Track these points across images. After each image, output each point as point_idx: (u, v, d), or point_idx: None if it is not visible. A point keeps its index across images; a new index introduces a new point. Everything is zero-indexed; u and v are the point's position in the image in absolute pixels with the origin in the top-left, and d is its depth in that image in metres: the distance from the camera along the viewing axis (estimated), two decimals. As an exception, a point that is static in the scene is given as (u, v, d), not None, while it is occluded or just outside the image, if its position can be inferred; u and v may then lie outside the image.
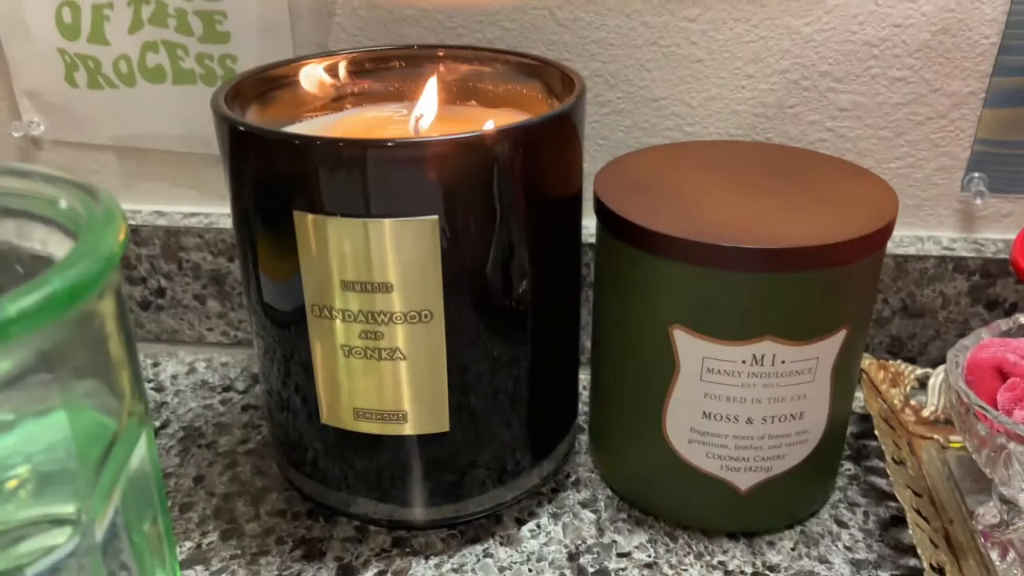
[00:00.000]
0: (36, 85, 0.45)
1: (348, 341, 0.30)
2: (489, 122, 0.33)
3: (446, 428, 0.32)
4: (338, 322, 0.30)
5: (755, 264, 0.29)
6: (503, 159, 0.28)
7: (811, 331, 0.31)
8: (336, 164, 0.27)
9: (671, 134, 0.42)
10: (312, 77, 0.37)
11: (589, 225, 0.35)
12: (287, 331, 0.31)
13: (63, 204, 0.20)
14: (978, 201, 0.41)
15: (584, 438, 0.40)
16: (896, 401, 0.40)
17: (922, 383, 0.41)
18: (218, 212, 0.47)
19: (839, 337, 0.31)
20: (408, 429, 0.32)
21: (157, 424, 0.42)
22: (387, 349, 0.30)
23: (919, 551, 0.31)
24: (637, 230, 0.31)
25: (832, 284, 0.30)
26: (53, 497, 0.19)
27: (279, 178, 0.29)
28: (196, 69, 0.44)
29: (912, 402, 0.40)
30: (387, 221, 0.28)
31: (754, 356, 0.31)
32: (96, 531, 0.20)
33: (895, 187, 0.42)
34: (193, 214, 0.47)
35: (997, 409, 0.30)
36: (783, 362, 0.31)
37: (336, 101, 0.38)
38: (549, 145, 0.30)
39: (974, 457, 0.31)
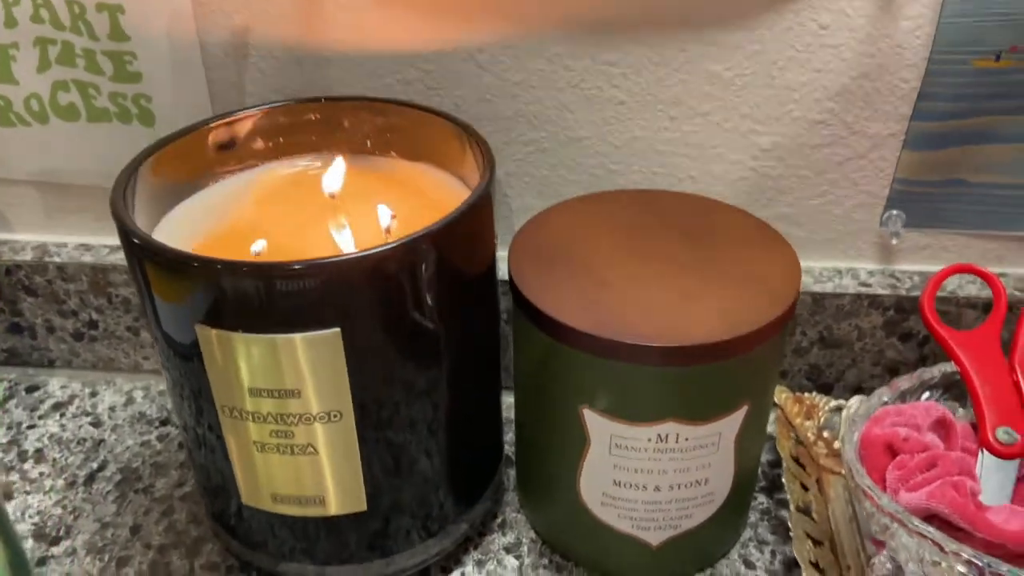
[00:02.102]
0: (-55, 124, 0.44)
1: (261, 438, 0.31)
2: (383, 210, 0.33)
3: (364, 508, 0.33)
4: (250, 423, 0.30)
5: (657, 359, 0.30)
6: (408, 266, 0.29)
7: (713, 411, 0.32)
8: (239, 285, 0.27)
9: (595, 171, 0.42)
10: (221, 138, 0.36)
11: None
12: (201, 423, 0.32)
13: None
14: (894, 241, 0.41)
15: (513, 472, 0.42)
16: (809, 434, 0.42)
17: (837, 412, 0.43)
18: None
19: (741, 413, 0.32)
20: (328, 511, 0.33)
21: (94, 466, 0.43)
22: (300, 445, 0.31)
23: (811, 613, 0.33)
24: (545, 319, 0.31)
25: (733, 370, 0.31)
26: None
27: (181, 292, 0.29)
28: (110, 107, 0.42)
29: (825, 434, 0.42)
30: (296, 336, 0.28)
31: (659, 435, 0.32)
32: None
33: (814, 222, 0.42)
34: (119, 247, 0.46)
35: (886, 488, 0.32)
36: (687, 439, 0.32)
37: (249, 156, 0.37)
38: (457, 240, 0.30)
39: (868, 523, 0.33)
